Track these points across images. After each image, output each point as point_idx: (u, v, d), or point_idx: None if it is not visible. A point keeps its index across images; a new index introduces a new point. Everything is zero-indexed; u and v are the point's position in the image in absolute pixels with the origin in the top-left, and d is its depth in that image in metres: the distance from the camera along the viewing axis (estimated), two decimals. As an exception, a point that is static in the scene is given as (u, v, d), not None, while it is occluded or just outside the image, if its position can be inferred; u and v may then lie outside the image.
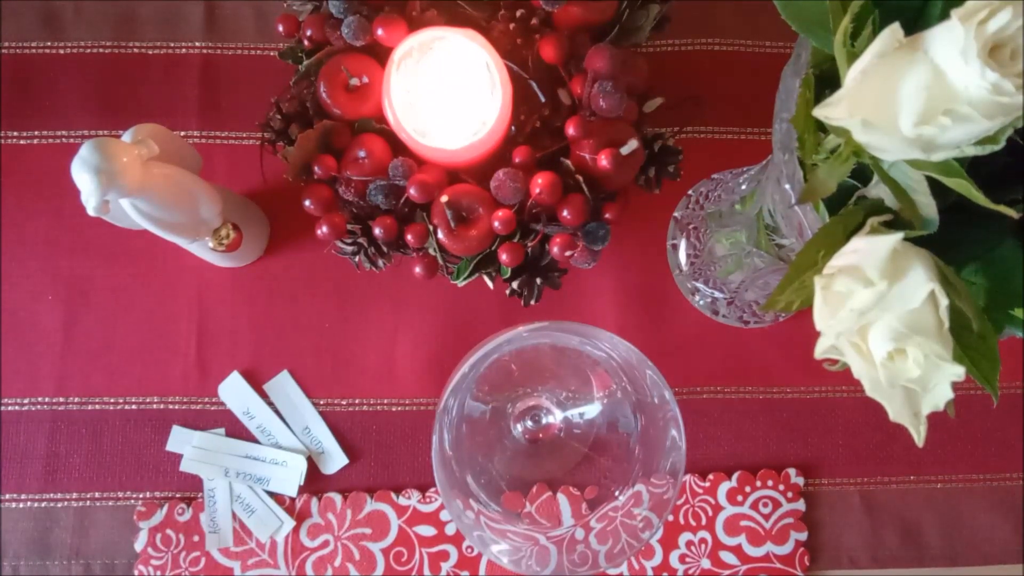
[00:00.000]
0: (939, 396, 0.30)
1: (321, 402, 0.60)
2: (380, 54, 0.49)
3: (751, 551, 0.59)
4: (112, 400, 0.59)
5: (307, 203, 0.49)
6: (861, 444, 0.60)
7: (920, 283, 0.29)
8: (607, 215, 0.49)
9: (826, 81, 0.32)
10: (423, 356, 0.60)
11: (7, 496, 0.58)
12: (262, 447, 0.59)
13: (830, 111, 0.29)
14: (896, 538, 0.60)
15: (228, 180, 0.60)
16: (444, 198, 0.47)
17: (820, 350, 0.32)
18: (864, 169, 0.33)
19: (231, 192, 0.57)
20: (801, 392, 0.61)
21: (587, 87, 0.48)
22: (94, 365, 0.59)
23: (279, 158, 0.49)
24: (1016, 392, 0.61)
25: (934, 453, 0.61)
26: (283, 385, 0.60)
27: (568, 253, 0.48)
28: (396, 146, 0.49)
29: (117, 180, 0.43)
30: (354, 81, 0.49)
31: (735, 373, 0.61)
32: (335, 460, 0.59)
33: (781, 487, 0.59)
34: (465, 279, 0.50)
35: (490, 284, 0.51)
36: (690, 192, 0.61)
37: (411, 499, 0.59)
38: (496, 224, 0.47)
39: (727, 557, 0.59)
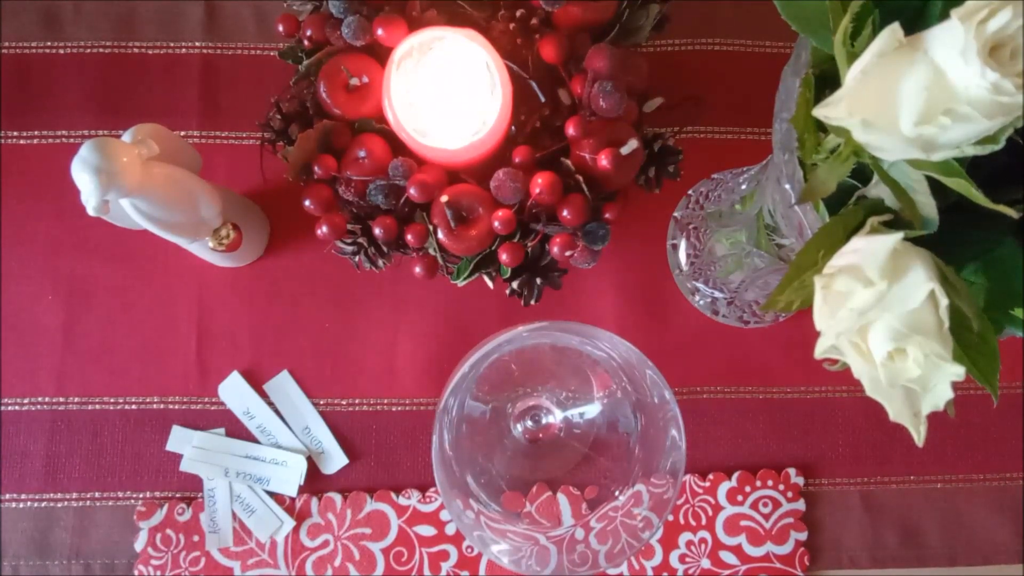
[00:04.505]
0: (939, 396, 0.30)
1: (321, 402, 0.60)
2: (380, 54, 0.49)
3: (751, 551, 0.59)
4: (112, 400, 0.59)
5: (307, 203, 0.49)
6: (861, 444, 0.60)
7: (920, 283, 0.29)
8: (607, 215, 0.49)
9: (826, 81, 0.32)
10: (423, 356, 0.60)
11: (7, 496, 0.58)
12: (262, 447, 0.59)
13: (830, 111, 0.29)
14: (896, 538, 0.60)
15: (228, 180, 0.60)
16: (444, 198, 0.47)
17: (820, 350, 0.32)
18: (864, 169, 0.33)
19: (231, 192, 0.57)
20: (801, 392, 0.61)
21: (587, 87, 0.48)
22: (94, 365, 0.59)
23: (279, 158, 0.49)
24: (1016, 392, 0.61)
25: (934, 453, 0.61)
26: (283, 385, 0.60)
27: (568, 253, 0.48)
28: (396, 146, 0.49)
29: (117, 180, 0.43)
30: (354, 81, 0.49)
31: (735, 373, 0.61)
32: (335, 460, 0.59)
33: (781, 487, 0.59)
34: (465, 279, 0.50)
35: (490, 284, 0.51)
36: (690, 192, 0.61)
37: (411, 499, 0.59)
38: (496, 224, 0.47)
39: (727, 557, 0.59)
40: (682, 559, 0.59)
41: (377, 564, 0.58)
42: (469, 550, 0.58)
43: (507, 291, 0.51)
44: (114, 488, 0.58)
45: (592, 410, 0.57)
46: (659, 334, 0.61)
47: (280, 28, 0.51)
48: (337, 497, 0.58)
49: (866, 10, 0.29)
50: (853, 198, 0.34)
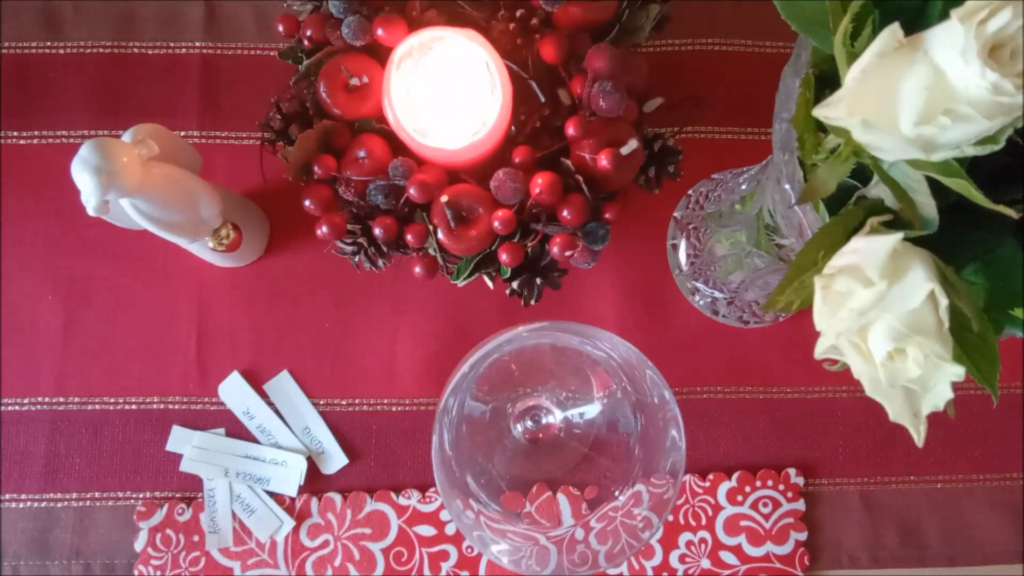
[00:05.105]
0: (939, 396, 0.30)
1: (321, 402, 0.60)
2: (380, 54, 0.49)
3: (751, 551, 0.59)
4: (112, 400, 0.59)
5: (307, 203, 0.49)
6: (861, 444, 0.60)
7: (920, 283, 0.29)
8: (607, 215, 0.49)
9: (826, 81, 0.32)
10: (423, 356, 0.60)
11: (7, 496, 0.58)
12: (262, 447, 0.59)
13: (830, 111, 0.29)
14: (896, 538, 0.60)
15: (228, 180, 0.60)
16: (444, 198, 0.47)
17: (820, 350, 0.32)
18: (864, 169, 0.33)
19: (231, 192, 0.57)
20: (801, 392, 0.61)
21: (587, 87, 0.48)
22: (94, 365, 0.59)
23: (279, 158, 0.49)
24: (1016, 392, 0.61)
25: (934, 453, 0.61)
26: (283, 385, 0.60)
27: (568, 253, 0.48)
28: (396, 146, 0.49)
29: (117, 180, 0.43)
30: (354, 81, 0.49)
31: (735, 373, 0.61)
32: (335, 460, 0.59)
33: (781, 487, 0.59)
34: (465, 279, 0.50)
35: (490, 284, 0.51)
36: (690, 192, 0.61)
37: (411, 499, 0.59)
38: (496, 224, 0.47)
39: (727, 557, 0.59)
40: (682, 559, 0.59)
41: (377, 564, 0.58)
42: (469, 550, 0.58)
43: (507, 291, 0.51)
44: (114, 488, 0.58)
45: (592, 410, 0.57)
46: (659, 334, 0.61)
47: (280, 28, 0.51)
48: (337, 497, 0.58)
49: (866, 10, 0.29)
50: (853, 198, 0.34)
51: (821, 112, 0.29)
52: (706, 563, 0.59)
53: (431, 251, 0.49)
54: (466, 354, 0.50)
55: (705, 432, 0.60)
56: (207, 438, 0.59)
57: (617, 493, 0.53)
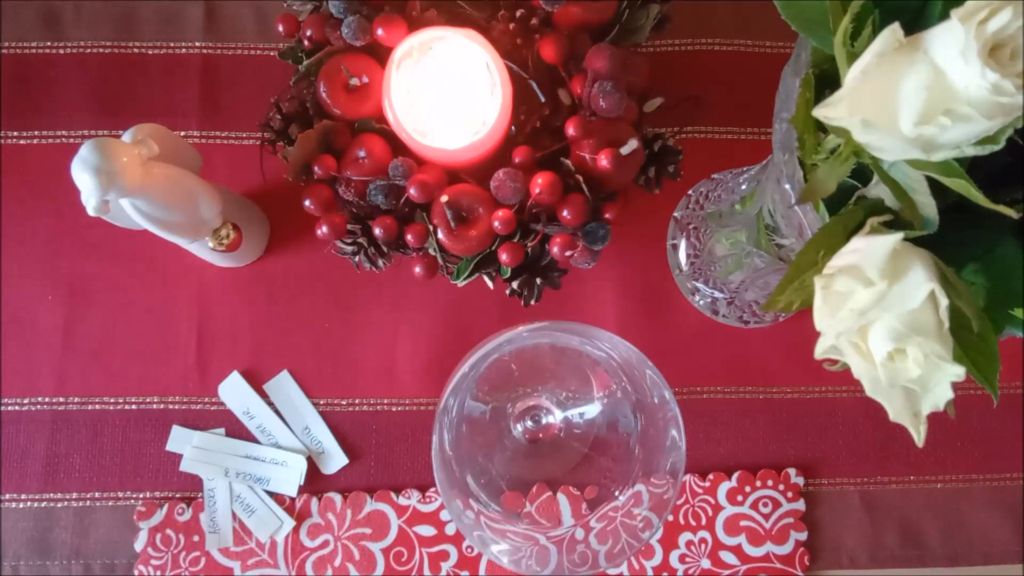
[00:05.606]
0: (939, 396, 0.30)
1: (321, 402, 0.60)
2: (380, 54, 0.49)
3: (751, 551, 0.59)
4: (112, 400, 0.59)
5: (307, 203, 0.49)
6: (861, 444, 0.60)
7: (920, 283, 0.29)
8: (607, 215, 0.49)
9: (826, 81, 0.32)
10: (423, 356, 0.60)
11: (7, 496, 0.58)
12: (262, 447, 0.59)
13: (830, 111, 0.29)
14: (896, 538, 0.60)
15: (228, 180, 0.60)
16: (444, 198, 0.47)
17: (820, 350, 0.32)
18: (864, 169, 0.33)
19: (231, 192, 0.57)
20: (801, 392, 0.61)
21: (587, 87, 0.48)
22: (94, 365, 0.59)
23: (279, 158, 0.49)
24: (1016, 392, 0.61)
25: (934, 453, 0.61)
26: (283, 385, 0.60)
27: (568, 253, 0.48)
28: (396, 146, 0.49)
29: (117, 180, 0.43)
30: (354, 81, 0.49)
31: (735, 373, 0.61)
32: (335, 460, 0.59)
33: (781, 487, 0.59)
34: (465, 279, 0.50)
35: (490, 284, 0.51)
36: (690, 192, 0.61)
37: (411, 499, 0.59)
38: (496, 224, 0.47)
39: (727, 557, 0.59)
40: (682, 559, 0.59)
41: (377, 564, 0.58)
42: (469, 550, 0.58)
43: (507, 291, 0.51)
44: (114, 488, 0.58)
45: (592, 410, 0.57)
46: (659, 334, 0.61)
47: (280, 28, 0.51)
48: (337, 497, 0.58)
49: (866, 10, 0.29)
50: (853, 198, 0.34)
51: (821, 112, 0.29)
52: (706, 563, 0.59)
53: (431, 251, 0.49)
54: (466, 354, 0.50)
55: (705, 432, 0.60)
56: (207, 438, 0.59)
57: (617, 493, 0.53)
